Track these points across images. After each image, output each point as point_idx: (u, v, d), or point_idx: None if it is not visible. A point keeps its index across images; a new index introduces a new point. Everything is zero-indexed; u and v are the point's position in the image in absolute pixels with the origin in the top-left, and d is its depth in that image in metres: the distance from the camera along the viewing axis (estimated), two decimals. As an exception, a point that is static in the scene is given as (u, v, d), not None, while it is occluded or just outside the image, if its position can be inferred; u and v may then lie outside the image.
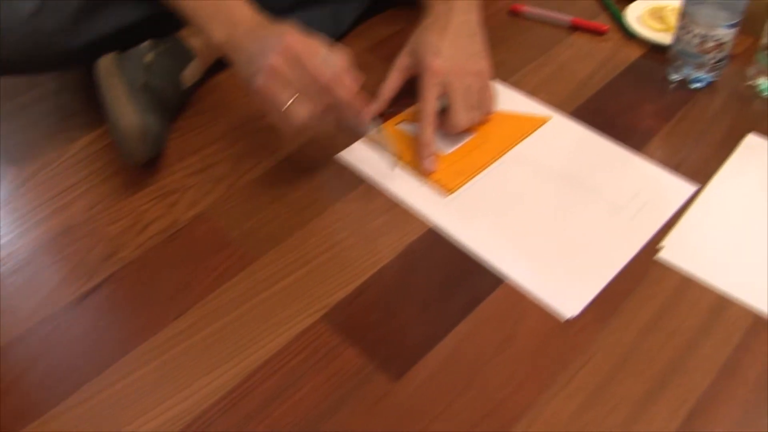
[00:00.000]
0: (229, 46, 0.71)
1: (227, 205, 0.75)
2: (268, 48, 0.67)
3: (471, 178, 0.76)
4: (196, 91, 0.87)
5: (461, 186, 0.75)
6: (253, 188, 0.77)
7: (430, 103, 0.76)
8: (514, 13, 1.01)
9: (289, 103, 0.67)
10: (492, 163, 0.78)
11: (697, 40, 0.81)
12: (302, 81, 0.66)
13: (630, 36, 0.95)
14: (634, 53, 0.93)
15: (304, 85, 0.67)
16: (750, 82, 0.85)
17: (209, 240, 0.72)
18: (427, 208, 0.73)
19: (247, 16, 0.71)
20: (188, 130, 0.84)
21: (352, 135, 0.81)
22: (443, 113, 0.78)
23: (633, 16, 0.95)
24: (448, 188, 0.74)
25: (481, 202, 0.74)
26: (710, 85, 0.86)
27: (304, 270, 0.68)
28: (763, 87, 0.84)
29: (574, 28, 0.97)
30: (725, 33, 0.80)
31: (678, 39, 0.83)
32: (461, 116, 0.77)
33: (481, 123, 0.81)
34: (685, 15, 0.81)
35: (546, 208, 0.73)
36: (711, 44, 0.80)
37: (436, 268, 0.68)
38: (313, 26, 0.89)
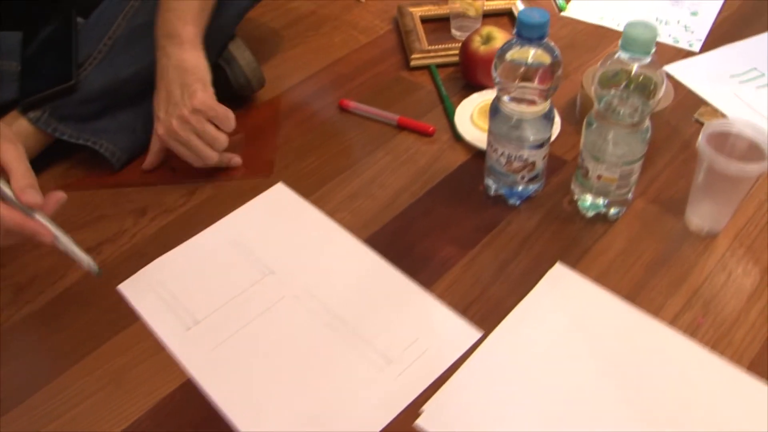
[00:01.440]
0: None
1: (-5, 344, 0.72)
2: None
3: None
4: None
5: None
6: (27, 324, 0.73)
7: None
8: (343, 109, 0.93)
9: None
10: None
11: (503, 160, 0.73)
12: None
13: (457, 138, 0.87)
14: (459, 158, 0.85)
15: None
16: (575, 197, 0.77)
17: (-35, 387, 0.68)
18: (187, 356, 0.68)
19: None
20: (-21, 253, 0.80)
21: (137, 265, 0.77)
22: None
23: (465, 114, 0.87)
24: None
25: (240, 351, 0.69)
26: (531, 199, 0.78)
27: (50, 427, 0.64)
28: (585, 205, 0.76)
29: (401, 127, 0.89)
30: (531, 153, 0.72)
31: (488, 155, 0.76)
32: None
33: None
34: (490, 132, 0.74)
35: (307, 362, 0.67)
36: (518, 164, 0.73)
37: (186, 427, 0.63)
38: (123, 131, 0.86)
